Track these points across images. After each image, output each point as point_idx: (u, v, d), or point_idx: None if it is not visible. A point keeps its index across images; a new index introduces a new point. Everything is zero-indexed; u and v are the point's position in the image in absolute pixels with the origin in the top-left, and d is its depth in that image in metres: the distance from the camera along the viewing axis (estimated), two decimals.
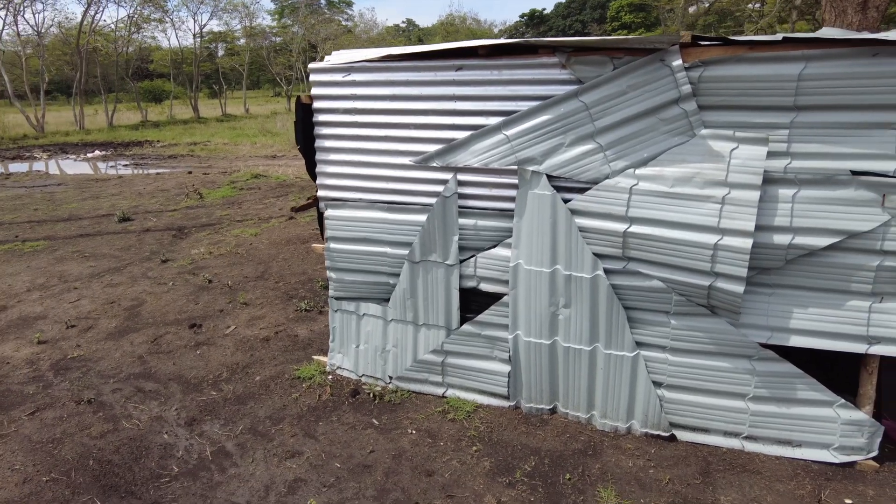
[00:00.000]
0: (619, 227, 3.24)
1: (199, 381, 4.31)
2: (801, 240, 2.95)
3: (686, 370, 3.36)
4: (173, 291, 6.24)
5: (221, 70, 44.29)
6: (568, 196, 3.39)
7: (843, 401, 3.17)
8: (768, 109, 2.92)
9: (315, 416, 3.83)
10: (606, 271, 3.35)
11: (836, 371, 3.44)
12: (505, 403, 3.86)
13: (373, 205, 3.97)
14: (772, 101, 2.89)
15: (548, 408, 3.76)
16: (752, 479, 3.12)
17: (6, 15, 25.88)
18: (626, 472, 3.22)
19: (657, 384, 3.44)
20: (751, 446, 3.35)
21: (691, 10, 26.34)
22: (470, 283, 3.81)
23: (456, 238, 3.72)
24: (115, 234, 8.77)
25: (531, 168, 3.39)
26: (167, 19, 35.77)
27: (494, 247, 3.69)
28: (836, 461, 3.20)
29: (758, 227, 2.99)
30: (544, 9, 61.09)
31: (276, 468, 3.32)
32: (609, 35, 33.01)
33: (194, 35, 37.83)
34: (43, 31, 28.31)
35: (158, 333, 5.15)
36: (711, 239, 3.00)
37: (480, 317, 3.79)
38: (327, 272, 4.25)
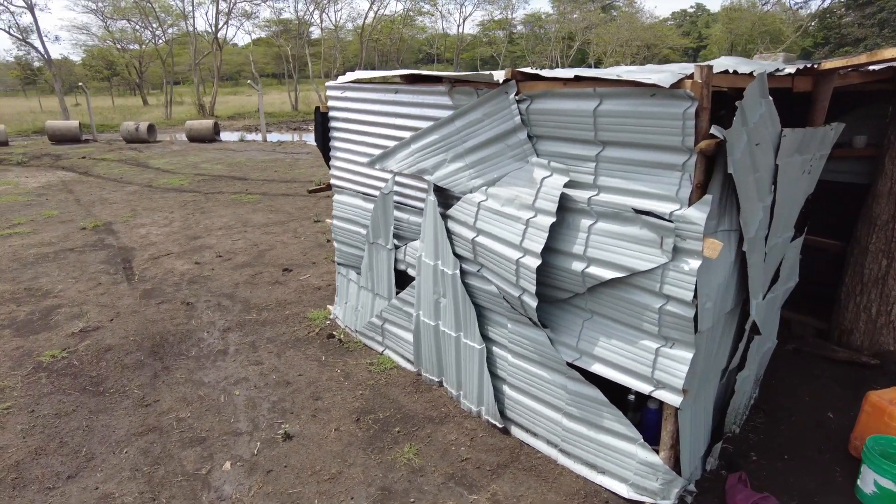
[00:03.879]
0: (471, 235, 3.71)
1: (254, 307, 6.06)
2: (593, 269, 3.06)
3: (520, 372, 3.67)
4: (298, 244, 8.29)
5: (481, 58, 48.42)
6: (454, 203, 3.96)
7: (642, 440, 3.15)
8: (579, 142, 3.08)
9: (292, 345, 5.19)
10: (466, 272, 3.85)
11: None
12: (413, 369, 4.62)
13: (356, 194, 5.04)
14: (580, 134, 3.04)
15: (437, 380, 4.40)
16: (535, 483, 3.38)
17: (314, 11, 33.16)
18: (444, 442, 3.77)
19: (502, 380, 3.82)
20: (564, 460, 3.52)
21: None
22: (402, 267, 4.63)
23: (392, 228, 4.57)
24: (304, 197, 11.48)
25: (426, 177, 4.04)
26: (436, 11, 40.63)
27: (416, 239, 4.44)
28: (628, 497, 3.20)
29: (561, 252, 3.19)
30: None
31: (241, 369, 4.79)
32: None
33: (458, 24, 42.24)
34: (340, 24, 35.41)
35: (260, 271, 7.15)
36: (516, 255, 3.31)
37: (402, 294, 4.60)
38: (334, 243, 5.51)
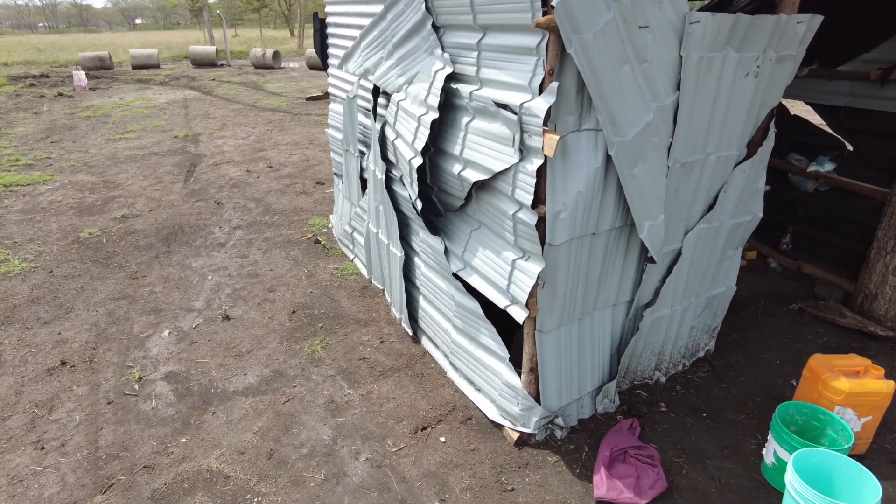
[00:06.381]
0: (392, 136, 3.57)
1: (271, 211, 6.48)
2: (466, 172, 2.81)
3: (428, 282, 3.56)
4: None
5: None
6: None
7: (508, 360, 2.93)
8: (465, 29, 2.77)
9: (281, 246, 5.51)
10: (393, 178, 3.74)
11: None
12: (367, 276, 4.68)
13: (342, 101, 5.05)
14: (464, 20, 2.73)
15: (381, 287, 4.43)
16: (414, 389, 3.33)
17: None
18: (356, 342, 3.83)
19: (417, 289, 3.74)
20: (452, 374, 3.41)
21: None
22: (366, 175, 4.62)
23: (357, 134, 4.55)
24: None
25: (370, 77, 3.92)
26: None
27: None
28: (492, 419, 3.03)
29: (447, 154, 2.97)
30: None
31: (227, 260, 5.21)
32: None
33: None
34: None
35: (297, 182, 7.56)
36: (410, 155, 3.13)
37: (360, 202, 4.61)
38: (331, 154, 5.62)
